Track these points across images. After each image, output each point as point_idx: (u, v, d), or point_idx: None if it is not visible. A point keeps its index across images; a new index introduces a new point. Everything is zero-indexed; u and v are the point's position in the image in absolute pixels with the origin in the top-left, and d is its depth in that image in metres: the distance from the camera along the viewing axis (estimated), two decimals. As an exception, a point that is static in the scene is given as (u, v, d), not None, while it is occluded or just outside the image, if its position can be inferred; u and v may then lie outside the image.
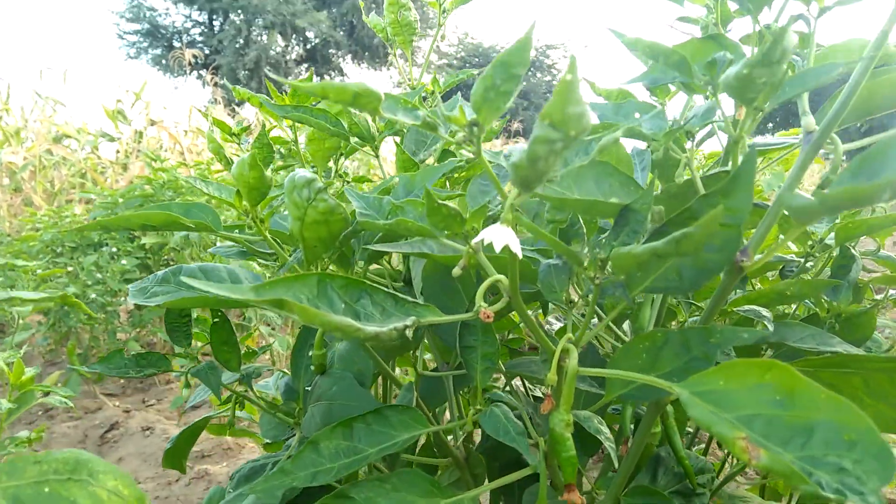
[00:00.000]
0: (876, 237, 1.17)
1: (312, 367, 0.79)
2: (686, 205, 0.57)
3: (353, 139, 0.96)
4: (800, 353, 0.89)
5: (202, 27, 28.08)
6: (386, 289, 0.53)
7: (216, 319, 0.86)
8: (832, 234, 1.06)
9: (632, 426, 0.83)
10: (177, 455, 0.92)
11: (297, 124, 0.98)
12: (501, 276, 0.55)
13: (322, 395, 0.76)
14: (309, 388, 0.83)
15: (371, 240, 0.74)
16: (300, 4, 24.99)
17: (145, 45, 27.29)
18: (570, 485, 0.57)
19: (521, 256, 0.47)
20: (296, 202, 0.58)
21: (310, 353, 0.86)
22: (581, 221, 0.64)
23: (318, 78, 0.64)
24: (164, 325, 0.85)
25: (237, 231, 0.78)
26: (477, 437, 0.97)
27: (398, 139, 0.93)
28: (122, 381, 3.63)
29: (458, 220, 0.54)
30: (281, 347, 2.73)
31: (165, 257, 3.70)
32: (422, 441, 1.00)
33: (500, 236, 0.46)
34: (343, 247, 0.68)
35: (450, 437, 0.85)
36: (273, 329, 3.22)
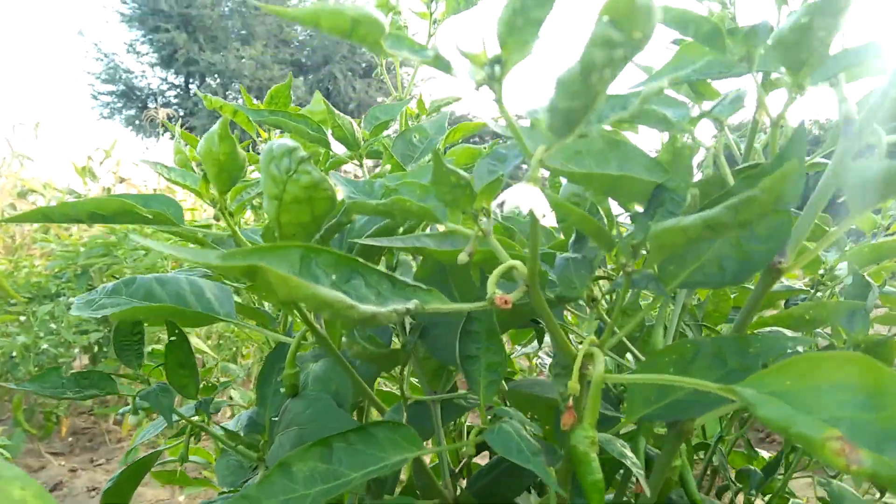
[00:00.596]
0: (884, 269, 1.12)
1: (283, 390, 0.68)
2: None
3: (336, 150, 0.89)
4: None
5: (178, 90, 28.21)
6: (383, 270, 0.44)
7: (173, 338, 0.75)
8: (841, 265, 1.01)
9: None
10: (118, 496, 0.79)
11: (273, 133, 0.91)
12: (517, 262, 0.47)
13: (293, 421, 0.65)
14: (276, 418, 0.73)
15: (356, 236, 0.65)
16: (277, 70, 25.35)
17: (119, 105, 27.27)
18: (595, 516, 0.47)
19: (553, 223, 0.39)
20: (273, 176, 0.49)
21: (278, 379, 0.76)
22: (601, 213, 0.56)
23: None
24: (113, 346, 0.74)
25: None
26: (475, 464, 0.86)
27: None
28: (69, 438, 3.40)
29: (467, 192, 0.46)
30: (242, 401, 2.57)
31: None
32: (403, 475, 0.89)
33: (526, 196, 0.38)
34: (326, 242, 0.59)
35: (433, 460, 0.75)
36: (234, 382, 3.06)
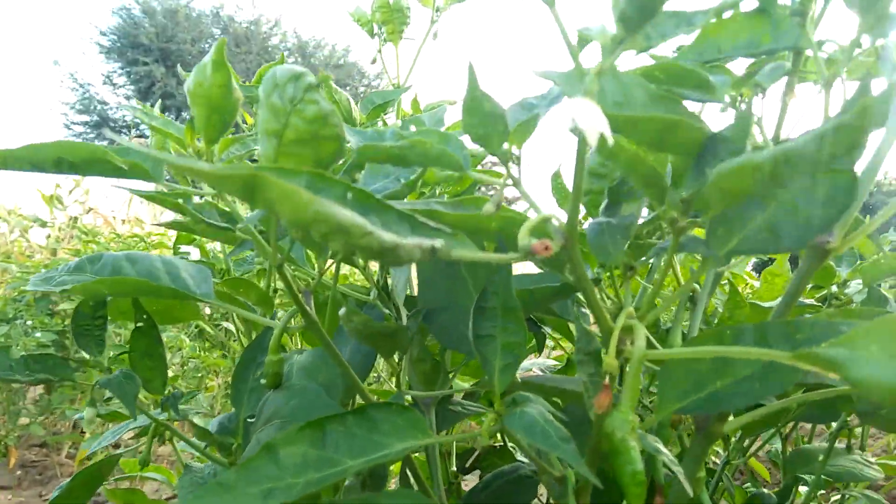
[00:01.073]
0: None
1: (263, 381, 0.60)
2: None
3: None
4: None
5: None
6: (403, 210, 0.37)
7: (139, 324, 0.67)
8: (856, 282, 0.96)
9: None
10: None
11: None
12: (553, 213, 0.41)
13: (274, 415, 0.57)
14: (252, 419, 0.65)
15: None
16: (255, 107, 25.35)
17: (92, 136, 26.97)
18: (635, 512, 0.40)
19: (610, 143, 0.33)
20: (275, 108, 0.42)
21: (257, 374, 0.68)
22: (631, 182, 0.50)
23: None
24: (72, 332, 0.66)
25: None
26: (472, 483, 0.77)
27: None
28: (18, 472, 3.20)
29: (501, 126, 0.40)
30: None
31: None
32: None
33: (584, 110, 0.32)
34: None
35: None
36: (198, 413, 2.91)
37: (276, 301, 0.96)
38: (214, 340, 2.88)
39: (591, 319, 0.65)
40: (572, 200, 0.39)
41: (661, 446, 0.49)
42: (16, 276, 3.63)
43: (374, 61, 0.91)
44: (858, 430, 1.38)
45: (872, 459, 1.11)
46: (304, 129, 0.42)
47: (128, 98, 27.52)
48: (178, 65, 0.91)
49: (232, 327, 2.06)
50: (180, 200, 0.59)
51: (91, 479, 0.68)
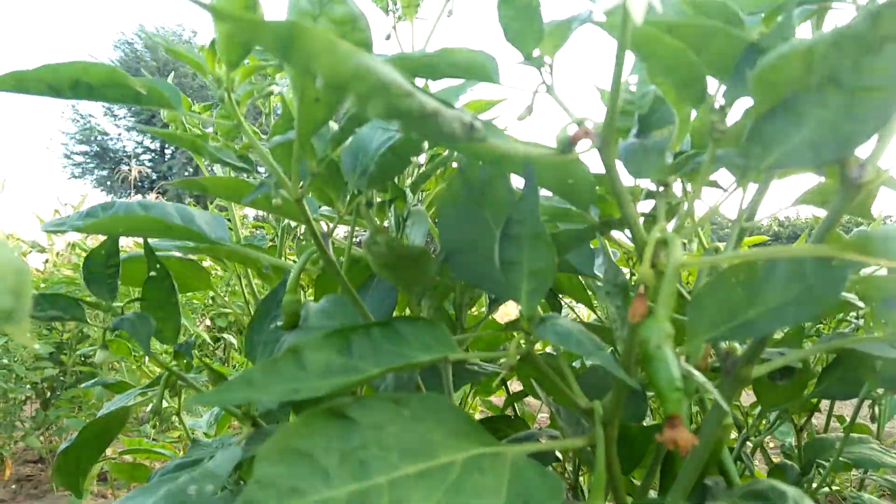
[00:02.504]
0: None
1: (280, 324, 0.59)
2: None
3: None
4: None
5: (153, 153, 28.15)
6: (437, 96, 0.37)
7: (152, 273, 0.66)
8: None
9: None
10: (74, 464, 0.67)
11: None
12: (585, 117, 0.40)
13: (292, 355, 0.56)
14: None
15: (371, 159, 0.58)
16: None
17: (91, 166, 27.10)
18: (673, 417, 0.39)
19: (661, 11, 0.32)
20: (302, 10, 0.42)
21: (272, 326, 0.66)
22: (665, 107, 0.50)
23: None
24: (83, 279, 0.65)
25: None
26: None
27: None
28: (13, 486, 3.15)
29: (537, 20, 0.39)
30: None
31: (82, 351, 3.34)
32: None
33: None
34: (349, 131, 0.52)
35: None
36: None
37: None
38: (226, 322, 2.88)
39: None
40: (611, 100, 0.38)
41: (692, 369, 0.47)
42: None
43: (388, 38, 0.92)
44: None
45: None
46: (332, 32, 0.42)
47: (128, 129, 27.72)
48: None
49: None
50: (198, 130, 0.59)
51: (101, 431, 0.66)
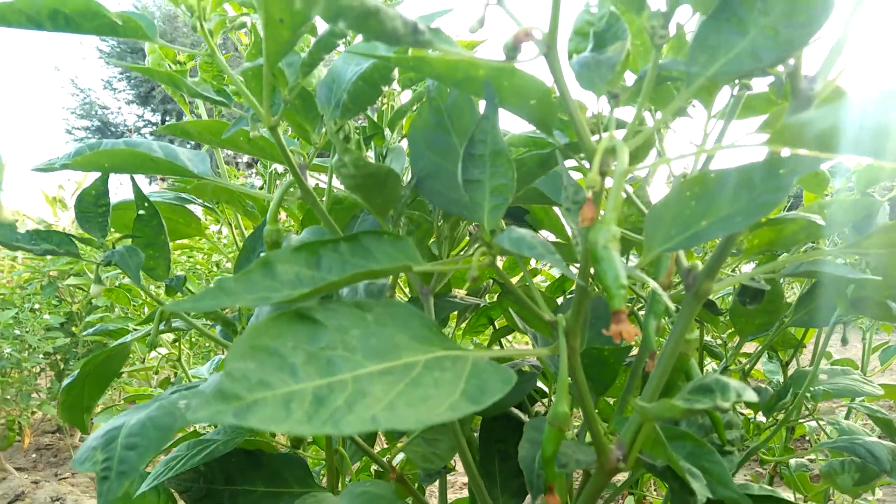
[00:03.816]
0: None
1: (263, 254, 0.62)
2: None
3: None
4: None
5: (153, 127, 28.10)
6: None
7: (141, 212, 0.69)
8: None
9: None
10: (78, 400, 0.71)
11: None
12: (532, 26, 0.42)
13: (274, 283, 0.59)
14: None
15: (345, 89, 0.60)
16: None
17: (93, 140, 27.09)
18: (618, 312, 0.42)
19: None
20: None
21: (259, 252, 0.69)
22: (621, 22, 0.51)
23: None
24: (76, 217, 0.68)
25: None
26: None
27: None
28: (33, 455, 3.24)
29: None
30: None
31: (89, 318, 3.40)
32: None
33: None
34: (315, 62, 0.54)
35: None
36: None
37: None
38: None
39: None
40: (553, 4, 0.40)
41: (647, 277, 0.50)
42: (23, 264, 3.66)
43: None
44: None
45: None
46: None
47: (128, 103, 27.62)
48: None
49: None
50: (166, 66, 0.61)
51: (103, 367, 0.69)
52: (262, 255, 0.70)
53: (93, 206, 0.66)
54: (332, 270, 0.45)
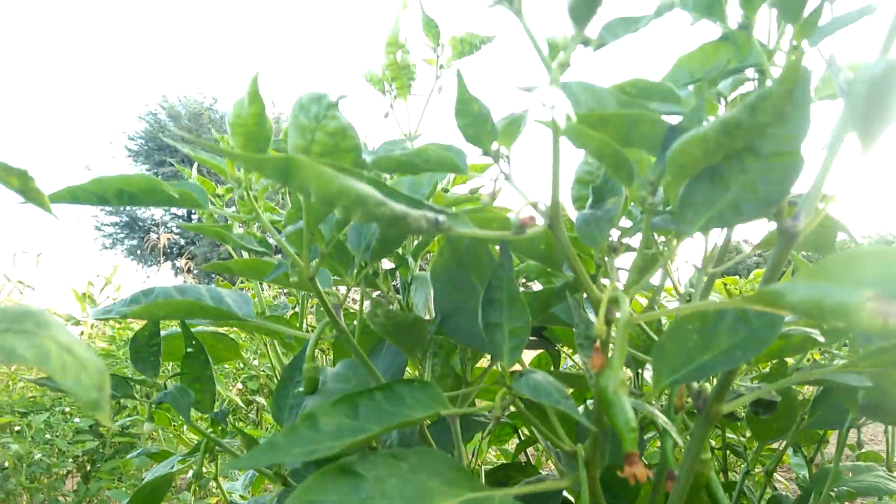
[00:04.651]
0: None
1: (301, 389, 0.67)
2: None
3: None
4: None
5: (180, 220, 28.80)
6: (410, 195, 0.45)
7: (189, 350, 0.74)
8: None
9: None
10: (125, 527, 0.75)
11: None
12: (537, 200, 0.48)
13: (312, 417, 0.64)
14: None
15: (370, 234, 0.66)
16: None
17: (122, 236, 27.75)
18: (631, 455, 0.46)
19: (573, 119, 0.40)
20: (302, 126, 0.51)
21: (297, 390, 0.74)
22: (614, 180, 0.57)
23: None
24: (130, 357, 0.73)
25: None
26: None
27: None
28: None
29: (489, 126, 0.48)
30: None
31: (120, 422, 3.43)
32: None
33: (551, 96, 0.40)
34: (345, 221, 0.60)
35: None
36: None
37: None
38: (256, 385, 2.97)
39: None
40: (553, 184, 0.46)
41: (656, 410, 0.54)
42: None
43: (386, 115, 1.01)
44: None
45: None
46: (327, 142, 0.51)
47: (156, 197, 28.38)
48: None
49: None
50: (219, 223, 0.67)
51: (150, 496, 0.74)
52: (298, 385, 0.75)
53: (145, 347, 0.72)
54: (371, 419, 0.50)
